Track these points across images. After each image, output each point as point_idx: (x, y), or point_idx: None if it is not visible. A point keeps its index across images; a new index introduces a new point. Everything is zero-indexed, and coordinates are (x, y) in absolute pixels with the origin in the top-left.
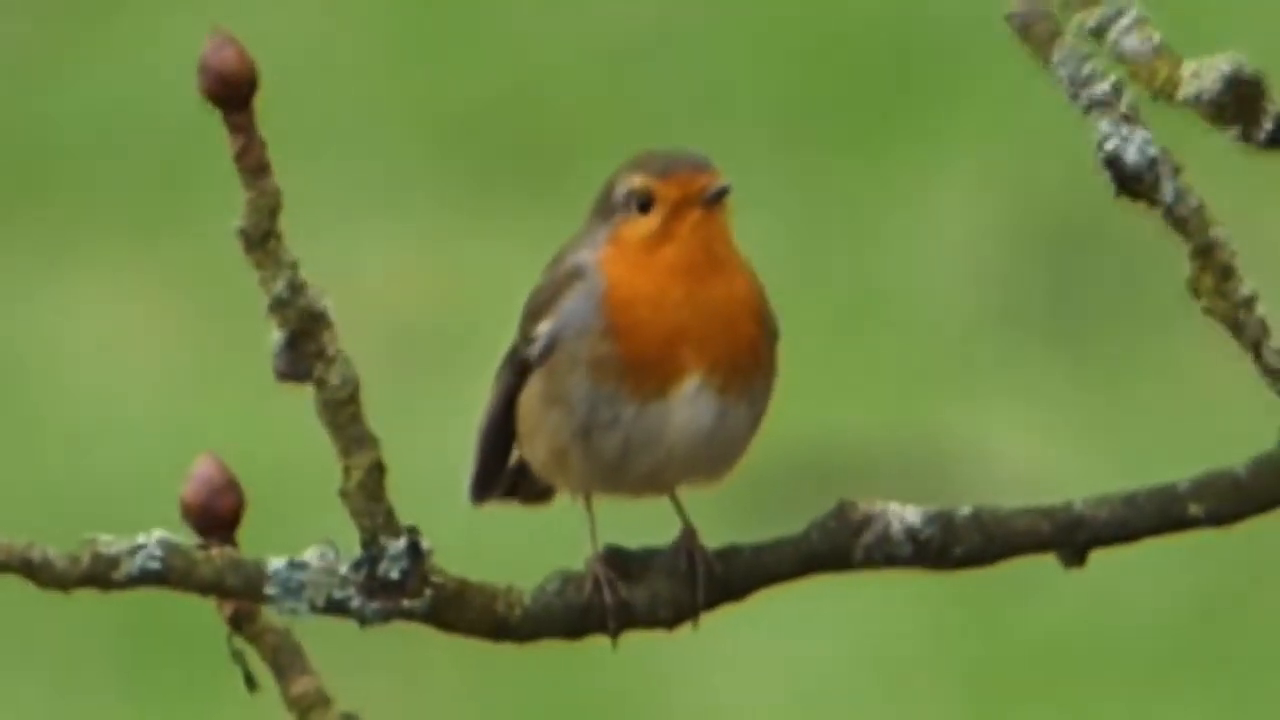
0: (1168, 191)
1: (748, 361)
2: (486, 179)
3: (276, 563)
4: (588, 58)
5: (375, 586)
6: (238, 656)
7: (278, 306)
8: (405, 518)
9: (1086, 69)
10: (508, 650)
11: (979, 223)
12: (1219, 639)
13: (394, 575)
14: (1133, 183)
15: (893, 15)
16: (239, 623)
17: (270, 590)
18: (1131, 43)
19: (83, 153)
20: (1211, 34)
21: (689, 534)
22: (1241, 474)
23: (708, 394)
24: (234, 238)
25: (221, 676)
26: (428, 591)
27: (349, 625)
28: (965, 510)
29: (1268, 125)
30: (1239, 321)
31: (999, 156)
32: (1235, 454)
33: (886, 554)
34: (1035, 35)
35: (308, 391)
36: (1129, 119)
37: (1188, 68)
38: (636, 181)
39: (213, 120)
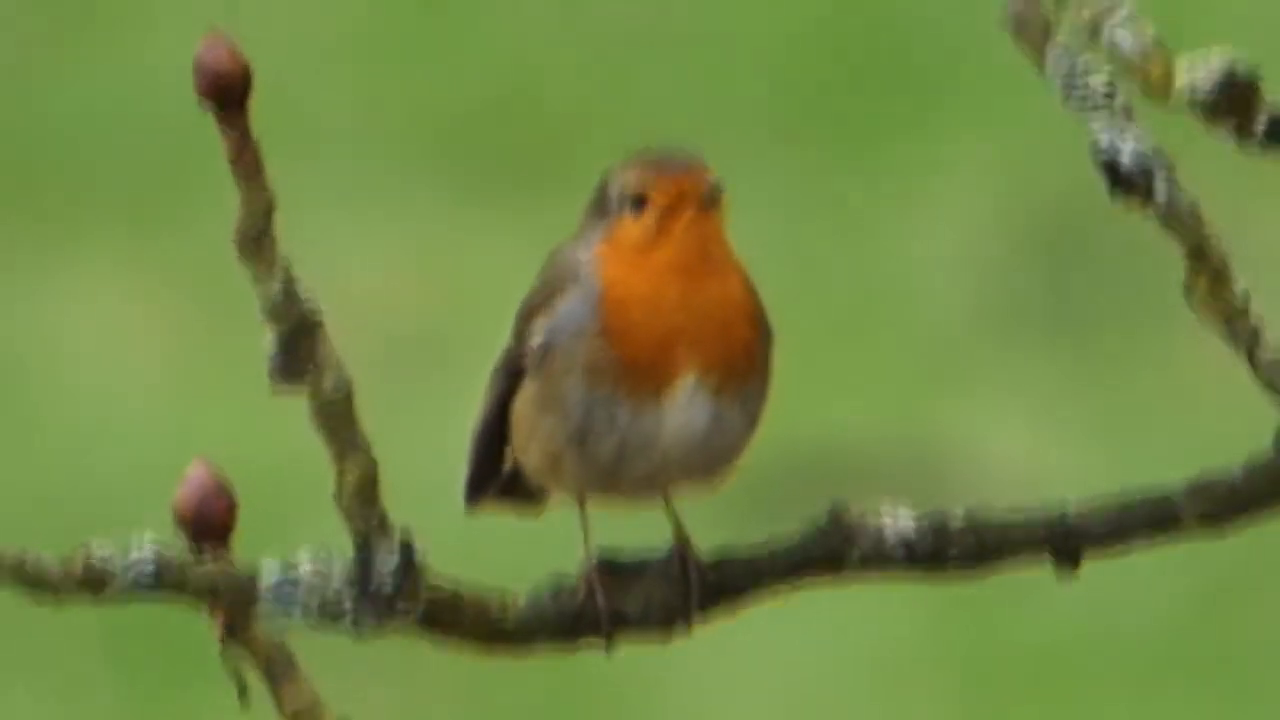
0: (1161, 191)
1: (742, 363)
2: (483, 180)
3: (270, 572)
4: (585, 59)
5: (369, 595)
6: (231, 666)
7: (272, 310)
8: (399, 521)
9: (1080, 70)
10: (501, 656)
11: (976, 221)
12: (1214, 641)
13: (387, 585)
14: (1127, 183)
15: (890, 14)
16: (232, 632)
17: (264, 598)
18: (1125, 40)
19: (80, 152)
20: (1205, 31)
21: (682, 540)
22: (1236, 477)
23: (702, 396)
24: (229, 239)
25: (216, 682)
26: (421, 599)
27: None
28: (959, 514)
29: (1261, 123)
30: (1233, 324)
31: (996, 155)
32: (1233, 453)
33: (880, 558)
34: (1029, 35)
35: (302, 394)
36: (1123, 119)
37: (1181, 65)
38: (630, 181)
39: (209, 119)
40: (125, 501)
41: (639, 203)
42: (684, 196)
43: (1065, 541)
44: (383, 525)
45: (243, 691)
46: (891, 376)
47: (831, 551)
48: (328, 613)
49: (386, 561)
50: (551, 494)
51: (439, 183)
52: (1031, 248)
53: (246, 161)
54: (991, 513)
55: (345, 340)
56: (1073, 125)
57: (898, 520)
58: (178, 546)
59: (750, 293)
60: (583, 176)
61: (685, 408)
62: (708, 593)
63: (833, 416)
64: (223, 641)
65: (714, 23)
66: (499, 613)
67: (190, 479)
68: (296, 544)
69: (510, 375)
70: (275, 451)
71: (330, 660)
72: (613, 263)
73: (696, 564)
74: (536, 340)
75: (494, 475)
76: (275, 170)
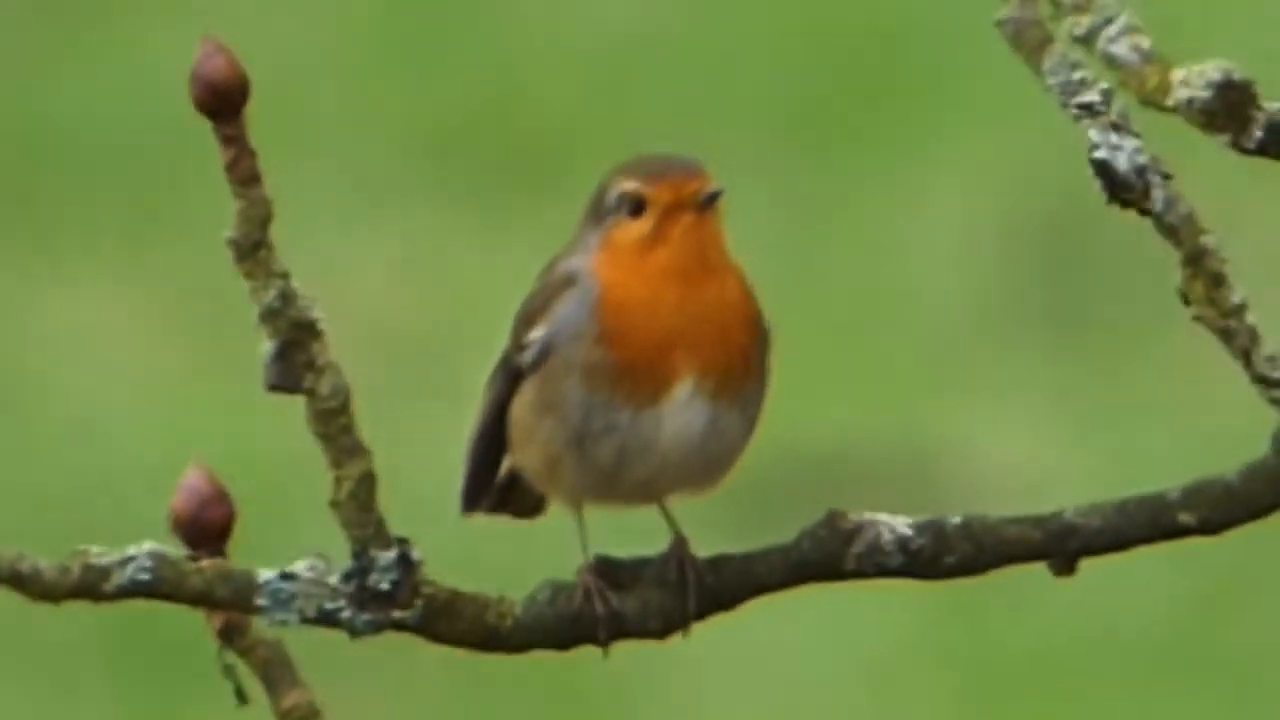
0: (1158, 199)
1: (740, 367)
2: (479, 185)
3: (267, 574)
4: (580, 62)
5: (366, 597)
6: (228, 670)
7: (268, 317)
8: (396, 528)
9: (1077, 76)
10: (499, 660)
11: (974, 223)
12: (1211, 643)
13: (384, 586)
14: (1123, 190)
15: (887, 14)
16: (229, 636)
17: (260, 601)
18: (1121, 50)
19: (78, 158)
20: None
21: (680, 543)
22: (1233, 481)
23: (700, 400)
24: (225, 246)
25: (213, 687)
26: (418, 602)
27: (340, 635)
28: (955, 519)
29: (1257, 132)
30: (1229, 329)
31: (994, 156)
32: (1232, 455)
33: (877, 563)
34: (1026, 42)
35: (299, 400)
36: (1119, 127)
37: (1177, 75)
38: (628, 186)
39: (205, 126)
40: (122, 506)
41: (637, 207)
42: (682, 200)
43: (1062, 544)
44: (380, 530)
45: (239, 695)
46: (890, 379)
47: (829, 556)
48: (325, 616)
49: (383, 564)
50: (548, 500)
51: (435, 188)
52: (1030, 250)
53: (243, 170)
54: (988, 516)
55: (341, 345)
56: (1071, 127)
57: (895, 524)
58: (174, 550)
59: (748, 296)
60: (578, 181)
61: (683, 411)
62: (705, 597)
63: (831, 419)
64: (219, 645)
65: (710, 25)
66: (496, 616)
67: (187, 485)
68: (294, 549)
69: (508, 379)
70: (273, 456)
71: (327, 665)
72: (611, 266)
73: (694, 567)
74: (535, 344)
75: (490, 481)
76: (271, 176)
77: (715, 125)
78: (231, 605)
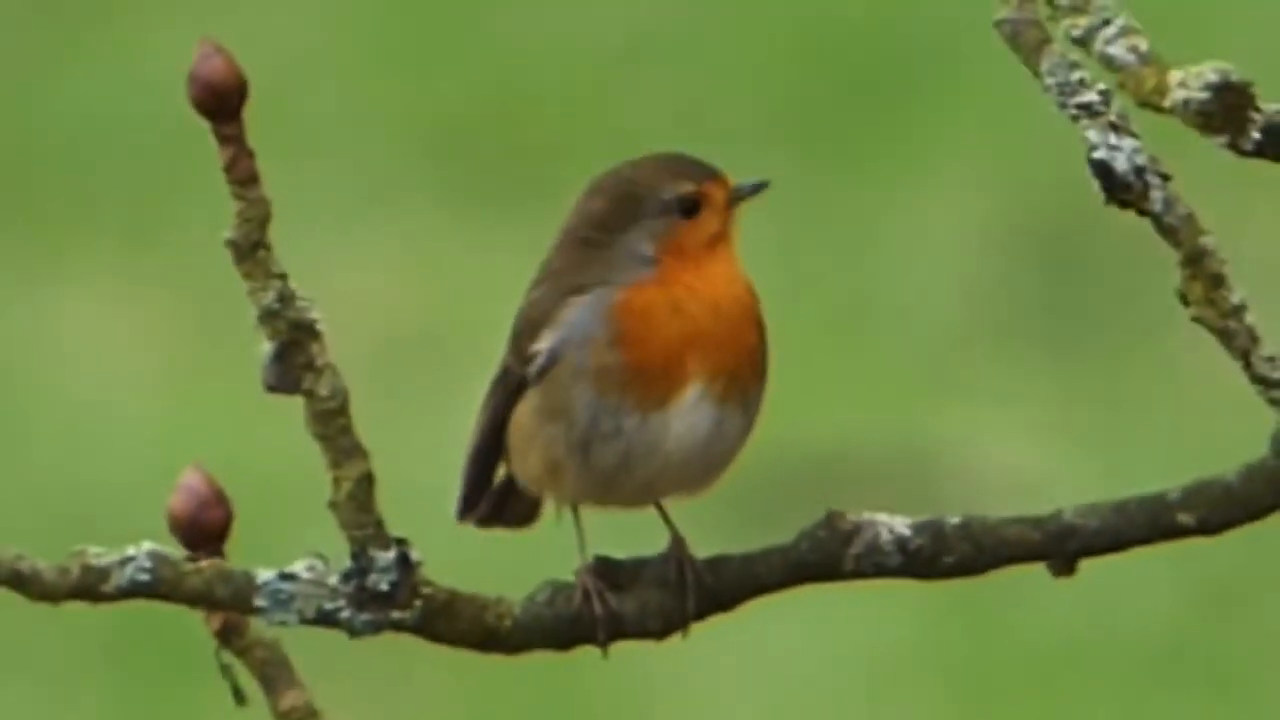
0: (1157, 200)
1: (747, 369)
2: (476, 187)
3: (266, 574)
4: (576, 64)
5: (365, 598)
6: (226, 671)
7: (267, 318)
8: (395, 529)
9: (1075, 77)
10: (498, 660)
11: (971, 228)
12: (1210, 644)
13: (383, 586)
14: (1122, 191)
15: (884, 19)
16: (228, 637)
17: (259, 602)
18: (1118, 51)
19: (74, 159)
20: (1199, 42)
21: (678, 544)
22: (1232, 482)
23: (708, 403)
24: (224, 247)
25: (212, 687)
26: (417, 603)
27: (339, 636)
28: (954, 519)
29: (1255, 134)
30: (1229, 330)
31: (991, 161)
32: (1229, 459)
33: (876, 564)
34: (1024, 43)
35: (298, 401)
36: (1118, 127)
37: (1175, 76)
38: (686, 187)
39: (205, 126)
40: (121, 507)
41: (692, 207)
42: (731, 196)
43: (1061, 545)
44: (379, 531)
45: (237, 695)
46: (889, 380)
47: (828, 557)
48: (324, 616)
49: (382, 565)
50: (543, 506)
51: (432, 189)
52: (1026, 254)
53: (242, 170)
54: (987, 517)
55: (340, 346)
56: (1067, 131)
57: (894, 524)
58: (173, 551)
59: (755, 296)
60: (576, 181)
61: (690, 414)
62: (704, 597)
63: (830, 420)
64: (218, 645)
65: (704, 31)
66: (495, 616)
67: (185, 486)
68: (293, 549)
69: (508, 392)
70: (272, 457)
71: (326, 666)
72: (678, 270)
73: (693, 568)
74: (542, 353)
75: (485, 489)
76: (269, 177)
77: (712, 126)
78: (230, 606)
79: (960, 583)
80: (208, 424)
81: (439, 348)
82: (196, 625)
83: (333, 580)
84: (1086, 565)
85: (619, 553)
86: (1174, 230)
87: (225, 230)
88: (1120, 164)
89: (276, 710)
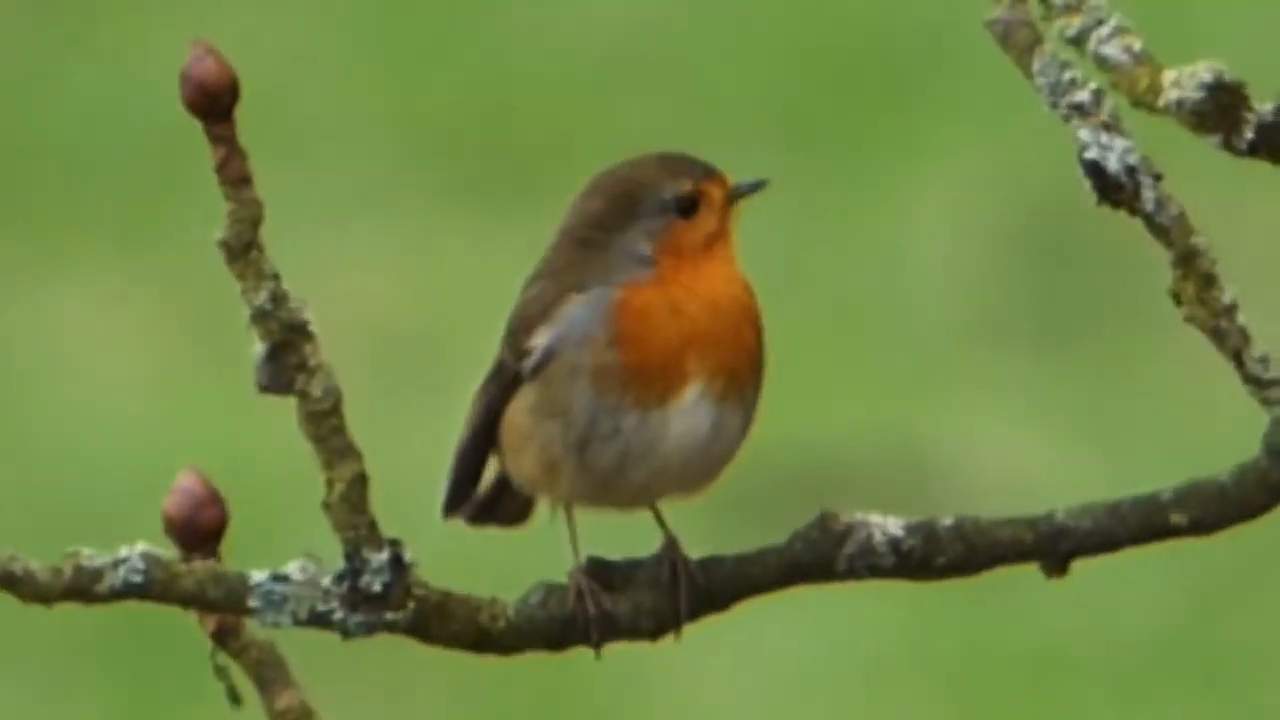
0: (1149, 200)
1: (746, 368)
2: (470, 186)
3: (259, 575)
4: (573, 63)
5: (358, 599)
6: (221, 672)
7: (259, 318)
8: (388, 529)
9: (1067, 77)
10: (491, 661)
11: (965, 227)
12: (1204, 644)
13: (377, 588)
14: (1114, 191)
15: (878, 19)
16: (223, 638)
17: (253, 603)
18: (1112, 51)
19: (70, 158)
20: (1192, 41)
21: (671, 544)
22: (1225, 482)
23: (707, 403)
24: (217, 248)
25: (208, 688)
26: (411, 604)
27: (333, 637)
28: (947, 520)
29: (1249, 133)
30: (1221, 330)
31: (984, 161)
32: (1221, 459)
33: (869, 564)
34: (1016, 43)
35: (291, 402)
36: (1109, 127)
37: (1169, 76)
38: (685, 186)
39: (198, 127)
40: (116, 507)
41: (690, 206)
42: (729, 195)
43: (1054, 545)
44: (372, 532)
45: (233, 696)
46: (882, 381)
47: (821, 557)
48: (317, 617)
49: (376, 566)
50: (536, 505)
51: (426, 188)
52: (1020, 253)
53: (233, 171)
54: (980, 517)
55: (333, 346)
56: (1061, 129)
57: (887, 525)
58: (166, 552)
59: (753, 295)
60: (572, 180)
61: (689, 414)
62: (697, 596)
63: (823, 421)
64: (213, 647)
65: (701, 28)
66: (488, 617)
67: (179, 487)
68: (287, 549)
69: (502, 387)
70: (265, 458)
71: (321, 668)
72: (676, 269)
73: (686, 567)
74: (538, 349)
75: (473, 487)
76: (262, 176)
77: (709, 124)
78: (224, 607)
79: (954, 583)
80: (203, 423)
81: (434, 348)
82: (192, 626)
83: (326, 581)
84: (1080, 566)
85: (612, 553)
86: (1166, 230)
87: (218, 231)
88: (1112, 164)
89: (272, 711)
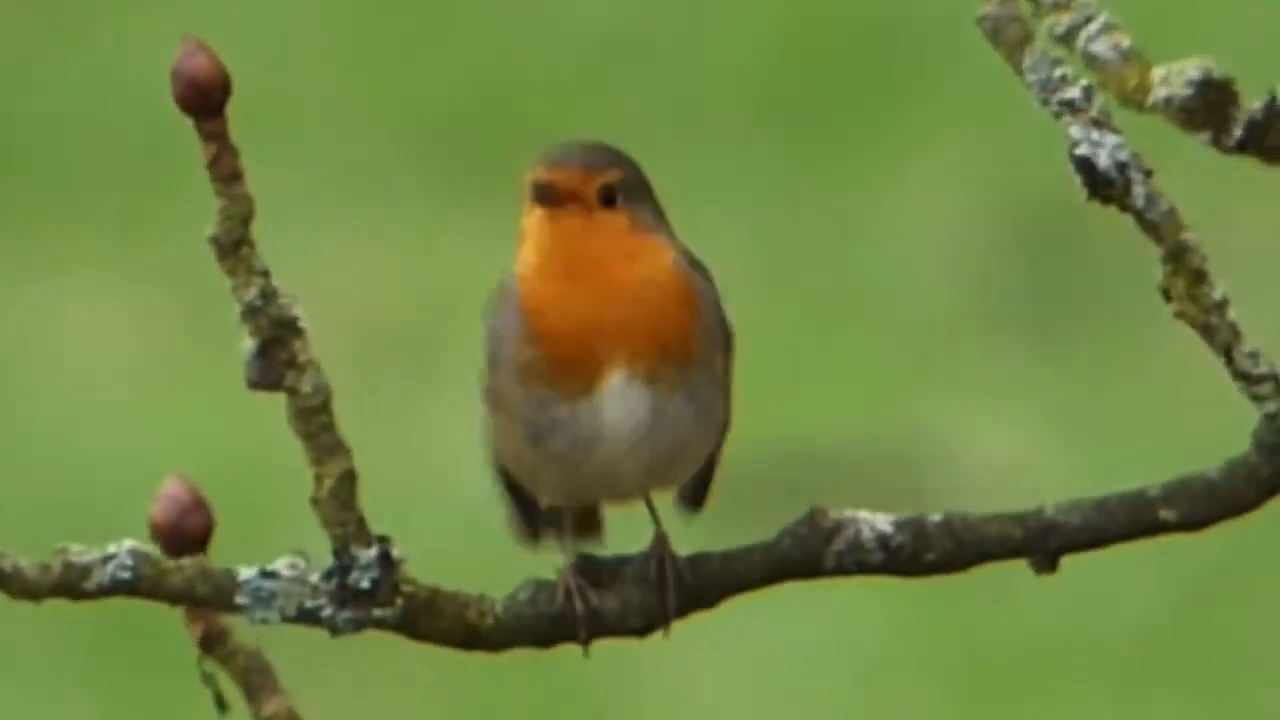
0: (1139, 196)
1: (677, 351)
2: (461, 180)
3: (247, 572)
4: (563, 55)
5: (346, 595)
6: (208, 679)
7: (249, 314)
8: (376, 525)
9: (1057, 73)
10: (480, 658)
11: (955, 219)
12: (1193, 641)
13: (365, 584)
14: (1104, 187)
15: (871, 9)
16: (210, 645)
17: (241, 599)
18: (1101, 48)
19: (57, 155)
20: (1181, 38)
21: (660, 540)
22: (1214, 477)
23: (637, 387)
24: (207, 244)
25: (194, 693)
26: (399, 600)
27: (322, 641)
28: (936, 516)
29: (1238, 131)
30: (1211, 325)
31: (977, 153)
32: (1213, 453)
33: (858, 561)
34: (1006, 39)
35: (280, 398)
36: (1100, 123)
37: (1157, 74)
38: (542, 175)
39: (189, 123)
40: (106, 504)
41: (548, 195)
42: (555, 190)
43: (1043, 541)
44: (361, 528)
45: (219, 703)
46: (872, 376)
47: (809, 553)
48: (305, 614)
49: (364, 563)
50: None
51: (417, 183)
52: (1012, 247)
53: (225, 167)
54: (969, 513)
55: (323, 341)
56: (1053, 123)
57: (875, 521)
58: (155, 552)
59: (677, 279)
60: None
61: (620, 399)
62: (685, 593)
63: (812, 416)
64: (200, 653)
65: (692, 22)
66: (477, 614)
67: (165, 494)
68: (274, 546)
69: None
70: (254, 454)
71: (308, 672)
72: (520, 261)
73: (675, 565)
74: (485, 350)
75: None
76: (252, 171)
77: (700, 115)
78: (212, 603)
79: (946, 579)
80: (190, 421)
81: (425, 343)
82: (179, 629)
83: (314, 578)
84: (1073, 561)
85: (601, 551)
86: (1156, 226)
87: (208, 227)
88: (1102, 160)
89: (259, 717)
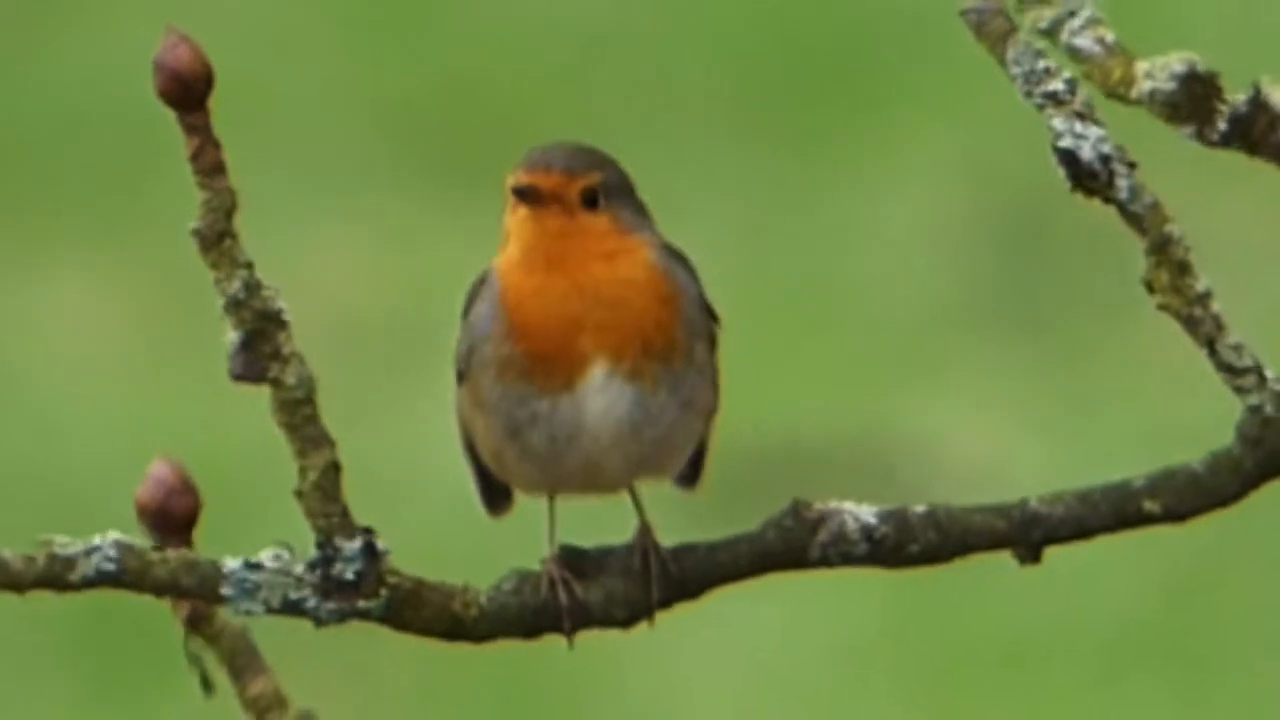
0: (1122, 188)
1: (659, 346)
2: (443, 172)
3: (232, 564)
4: (544, 49)
5: (331, 587)
6: (194, 659)
7: (233, 307)
8: (361, 518)
9: (1041, 66)
10: (465, 648)
11: (937, 213)
12: (1177, 631)
13: (349, 576)
14: (1087, 179)
15: (851, 8)
16: (195, 624)
17: (226, 591)
18: (1085, 42)
19: (45, 148)
20: (1165, 31)
21: (644, 531)
22: (1198, 470)
23: (618, 382)
24: (191, 237)
25: (179, 675)
26: (383, 592)
27: (305, 625)
28: (920, 508)
29: (1222, 124)
30: (1194, 317)
31: (957, 147)
32: (1196, 446)
33: (842, 552)
34: (990, 32)
35: (264, 390)
36: (1083, 116)
37: (1141, 67)
38: (523, 177)
39: (172, 116)
40: (91, 495)
41: (530, 195)
42: (537, 193)
43: (1026, 533)
44: (345, 520)
45: (205, 683)
46: (854, 370)
47: (794, 545)
48: (290, 605)
49: (348, 554)
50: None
51: (399, 175)
52: (994, 240)
53: (207, 160)
54: (953, 505)
55: (305, 333)
56: (1035, 116)
57: (859, 513)
58: (140, 541)
59: (657, 276)
60: None
61: (602, 394)
62: (669, 584)
63: (795, 410)
64: (185, 634)
65: (670, 15)
66: (461, 605)
67: (153, 475)
68: (260, 537)
69: (458, 381)
70: (239, 446)
71: (294, 656)
72: (503, 258)
73: (659, 557)
74: (462, 345)
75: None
76: (234, 163)
77: (675, 116)
78: (197, 595)
79: (931, 572)
80: (174, 413)
81: (407, 335)
82: (164, 614)
83: (299, 569)
84: (1057, 553)
85: (586, 541)
86: (1139, 218)
87: (192, 220)
88: (1085, 152)
89: (244, 697)
